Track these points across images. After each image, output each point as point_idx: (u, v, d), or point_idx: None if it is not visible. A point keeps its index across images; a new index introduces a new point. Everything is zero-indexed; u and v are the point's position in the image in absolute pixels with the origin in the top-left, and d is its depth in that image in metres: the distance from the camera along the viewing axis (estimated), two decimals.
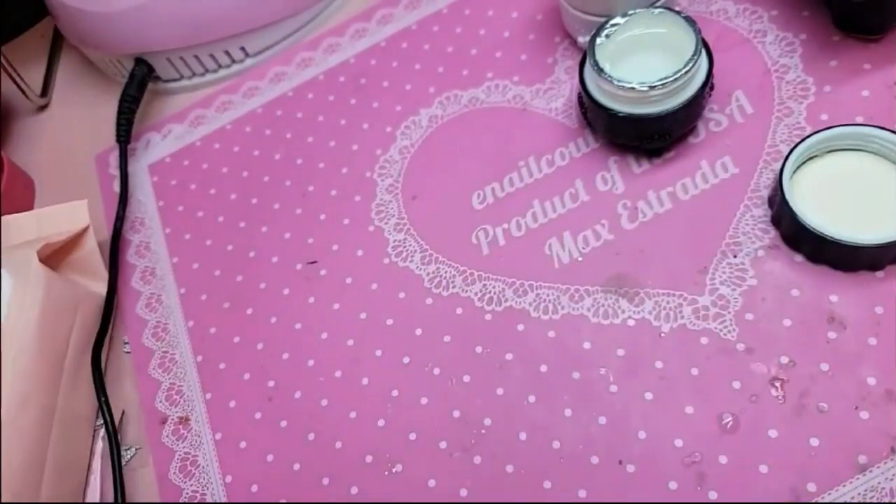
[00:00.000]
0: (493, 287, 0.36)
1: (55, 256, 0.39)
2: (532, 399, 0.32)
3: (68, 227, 0.40)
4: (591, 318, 0.33)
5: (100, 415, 0.38)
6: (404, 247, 0.38)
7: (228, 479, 0.35)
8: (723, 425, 0.30)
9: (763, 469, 0.29)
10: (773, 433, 0.29)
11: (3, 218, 0.40)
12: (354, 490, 0.33)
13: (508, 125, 0.40)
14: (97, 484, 0.36)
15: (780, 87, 0.36)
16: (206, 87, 0.49)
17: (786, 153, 0.31)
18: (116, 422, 0.37)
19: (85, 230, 0.40)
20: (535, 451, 0.31)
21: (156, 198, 0.45)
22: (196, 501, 0.35)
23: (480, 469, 0.32)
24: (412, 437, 0.33)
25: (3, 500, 0.31)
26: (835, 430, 0.28)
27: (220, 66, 0.48)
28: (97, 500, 0.35)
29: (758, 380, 0.30)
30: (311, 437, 0.35)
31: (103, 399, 0.37)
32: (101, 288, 0.41)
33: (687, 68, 0.32)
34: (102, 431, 0.37)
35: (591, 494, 0.30)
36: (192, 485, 0.35)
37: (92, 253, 0.41)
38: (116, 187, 0.46)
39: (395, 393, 0.34)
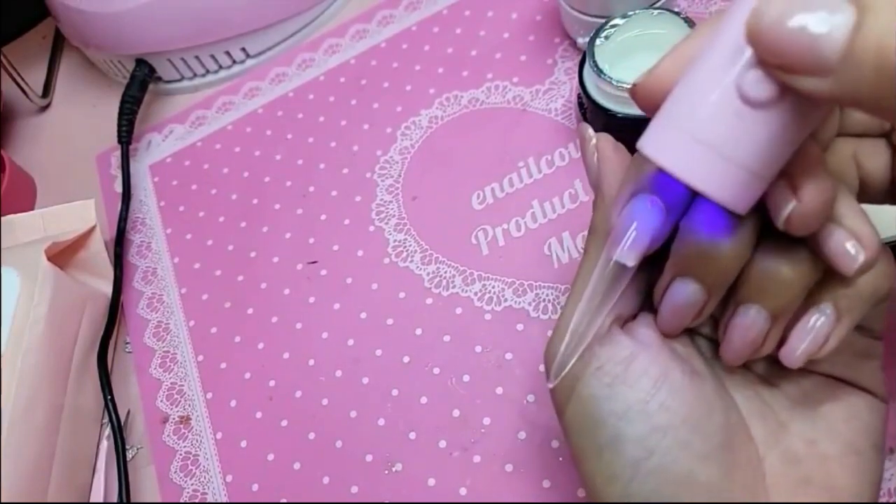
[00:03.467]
0: (493, 287, 0.36)
1: (62, 255, 0.39)
2: (532, 398, 0.33)
3: (75, 227, 0.40)
4: None
5: (105, 413, 0.38)
6: (404, 247, 0.38)
7: (229, 478, 0.35)
8: None
9: None
10: None
11: (9, 217, 0.40)
12: (354, 489, 0.33)
13: (508, 126, 0.40)
14: (101, 483, 0.36)
15: None
16: (207, 87, 0.49)
17: None
18: (122, 421, 0.37)
19: (91, 230, 0.40)
20: (535, 451, 0.32)
21: (157, 198, 0.45)
22: (197, 501, 0.35)
23: (480, 468, 0.32)
24: (412, 436, 0.33)
25: (12, 499, 0.31)
26: None
27: (221, 67, 0.49)
28: (101, 500, 0.35)
29: None
30: (312, 436, 0.35)
31: (109, 398, 0.37)
32: (107, 287, 0.41)
33: None
34: (107, 430, 0.37)
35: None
36: (192, 484, 0.35)
37: (98, 253, 0.41)
38: (117, 187, 0.46)
39: (395, 392, 0.35)
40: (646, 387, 0.20)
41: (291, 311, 0.38)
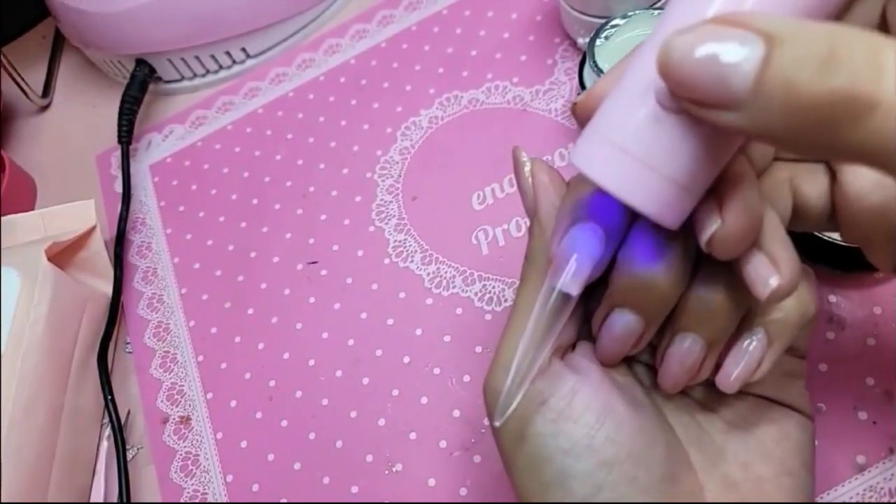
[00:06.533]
0: (493, 287, 0.36)
1: (62, 256, 0.39)
2: None
3: (75, 227, 0.40)
4: None
5: (105, 413, 0.38)
6: (404, 247, 0.38)
7: (229, 478, 0.35)
8: None
9: None
10: None
11: (9, 217, 0.40)
12: (355, 489, 0.33)
13: (508, 126, 0.40)
14: (101, 483, 0.36)
15: None
16: (207, 87, 0.49)
17: None
18: (122, 421, 0.37)
19: (92, 230, 0.40)
20: None
21: (157, 198, 0.45)
22: (197, 501, 0.35)
23: (480, 468, 0.32)
24: (412, 436, 0.33)
25: (12, 499, 0.31)
26: (833, 430, 0.28)
27: (221, 67, 0.49)
28: (101, 500, 0.35)
29: None
30: (312, 436, 0.35)
31: (110, 398, 0.37)
32: (108, 287, 0.41)
33: None
34: (107, 430, 0.37)
35: None
36: (193, 484, 0.35)
37: (98, 253, 0.41)
38: (117, 187, 0.46)
39: (395, 393, 0.35)
40: (590, 421, 0.20)
41: (291, 311, 0.38)
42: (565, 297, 0.19)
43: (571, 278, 0.19)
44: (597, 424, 0.20)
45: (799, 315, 0.20)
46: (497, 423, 0.21)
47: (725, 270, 0.19)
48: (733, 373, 0.20)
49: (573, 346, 0.22)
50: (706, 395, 0.22)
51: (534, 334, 0.19)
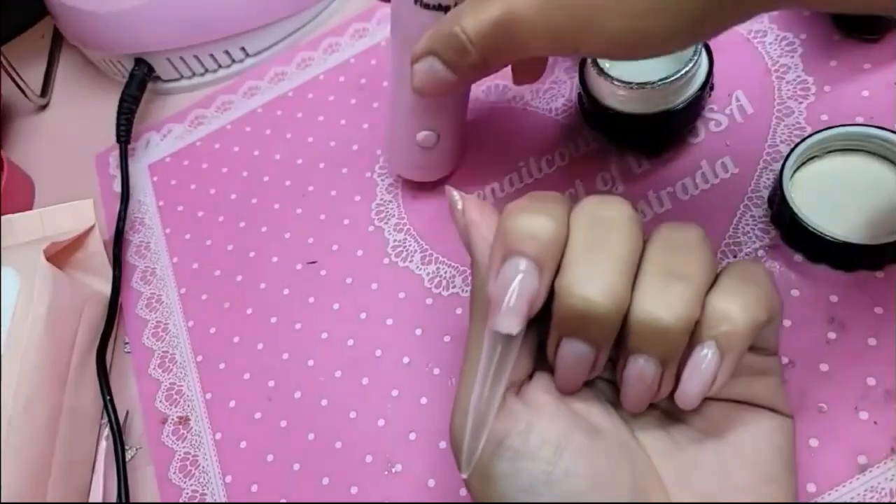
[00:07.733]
0: None
1: (60, 255, 0.39)
2: None
3: (73, 227, 0.40)
4: None
5: (104, 414, 0.38)
6: (404, 247, 0.38)
7: (228, 478, 0.35)
8: None
9: None
10: None
11: (7, 217, 0.40)
12: (354, 490, 0.33)
13: (508, 125, 0.40)
14: (100, 483, 0.36)
15: (781, 87, 0.36)
16: (206, 87, 0.49)
17: (786, 153, 0.31)
18: (121, 421, 0.37)
19: (90, 230, 0.40)
20: None
21: (156, 198, 0.45)
22: (196, 501, 0.35)
23: None
24: (412, 436, 0.33)
25: (12, 499, 0.31)
26: (834, 430, 0.28)
27: (220, 66, 0.48)
28: (100, 500, 0.35)
29: None
30: (311, 436, 0.35)
31: (108, 398, 0.37)
32: (106, 287, 0.41)
33: (687, 68, 0.32)
34: (106, 431, 0.37)
35: None
36: (192, 484, 0.35)
37: (97, 252, 0.41)
38: (116, 187, 0.46)
39: (395, 393, 0.34)
40: (547, 456, 0.19)
41: (291, 311, 0.38)
42: (508, 335, 0.19)
43: (511, 317, 0.19)
44: (554, 458, 0.19)
45: (749, 323, 0.19)
46: (465, 476, 0.21)
47: (664, 284, 0.19)
48: (688, 390, 0.20)
49: (531, 377, 0.22)
50: (673, 405, 0.22)
51: (485, 379, 0.19)
